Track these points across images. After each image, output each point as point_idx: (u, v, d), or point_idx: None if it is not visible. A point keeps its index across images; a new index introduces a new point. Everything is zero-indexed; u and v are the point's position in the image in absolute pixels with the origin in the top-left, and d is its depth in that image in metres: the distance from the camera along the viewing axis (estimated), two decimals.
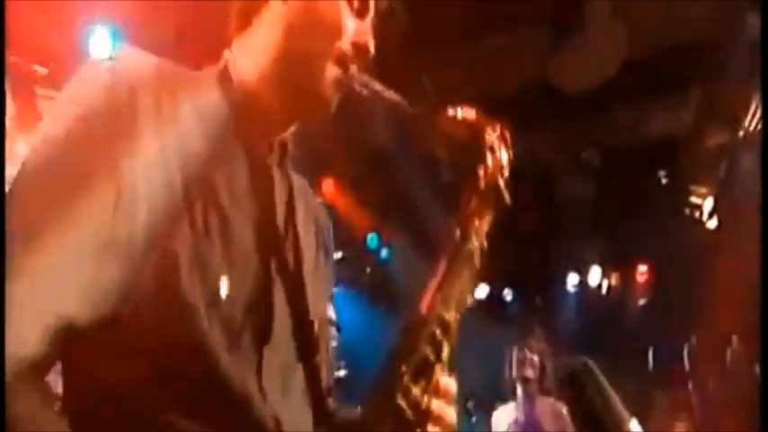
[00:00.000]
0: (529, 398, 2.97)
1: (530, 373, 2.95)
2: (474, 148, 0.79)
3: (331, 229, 0.90)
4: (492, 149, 0.79)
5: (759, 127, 3.59)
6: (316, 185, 4.23)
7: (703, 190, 4.63)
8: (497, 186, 0.78)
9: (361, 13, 0.80)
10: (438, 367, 0.70)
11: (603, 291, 6.19)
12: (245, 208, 0.72)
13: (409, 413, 0.67)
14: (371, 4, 0.82)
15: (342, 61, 0.78)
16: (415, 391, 0.67)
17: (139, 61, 0.71)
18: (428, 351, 0.69)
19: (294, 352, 0.74)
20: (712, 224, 4.54)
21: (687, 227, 4.71)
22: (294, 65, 0.78)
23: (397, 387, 0.67)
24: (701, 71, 3.71)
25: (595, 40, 3.40)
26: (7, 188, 0.63)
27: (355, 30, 0.79)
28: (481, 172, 0.78)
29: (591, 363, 1.81)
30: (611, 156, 4.63)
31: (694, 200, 4.70)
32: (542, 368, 2.99)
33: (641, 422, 1.76)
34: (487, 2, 3.08)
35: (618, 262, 6.09)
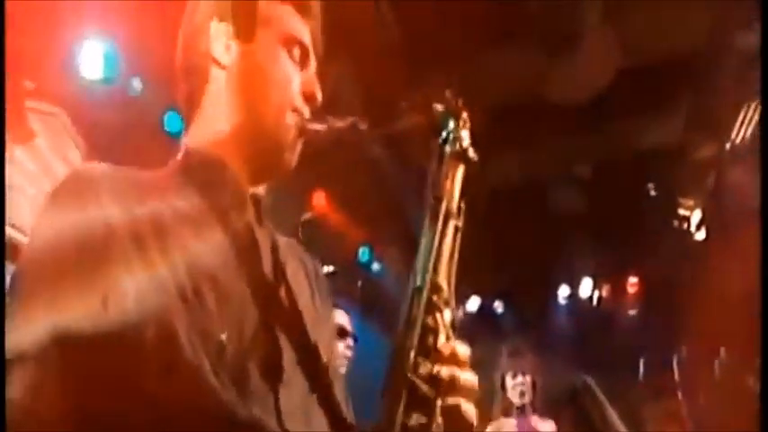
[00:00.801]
0: (524, 416, 3.02)
1: (525, 397, 2.99)
2: (431, 126, 0.79)
3: (321, 274, 0.91)
4: (451, 115, 0.78)
5: (747, 138, 3.64)
6: (306, 198, 4.23)
7: (691, 202, 4.69)
8: (462, 149, 0.78)
9: (303, 63, 0.83)
10: (442, 334, 0.69)
11: (594, 302, 6.22)
12: (233, 267, 0.73)
13: (424, 387, 0.66)
14: (311, 55, 0.85)
15: (295, 110, 0.81)
16: (425, 363, 0.67)
17: (98, 174, 0.73)
18: (428, 320, 0.69)
19: (307, 386, 0.74)
20: (700, 236, 4.59)
21: (676, 238, 4.76)
22: (249, 123, 0.80)
23: (406, 364, 0.66)
24: (689, 84, 3.77)
25: (587, 54, 3.45)
26: None
27: (301, 80, 0.82)
28: (444, 135, 0.78)
29: (590, 380, 1.82)
30: (601, 168, 4.68)
31: (682, 212, 4.75)
32: (534, 387, 3.03)
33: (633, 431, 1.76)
34: (480, 16, 3.12)
35: (609, 274, 6.13)
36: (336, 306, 2.51)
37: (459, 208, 0.76)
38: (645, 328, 5.43)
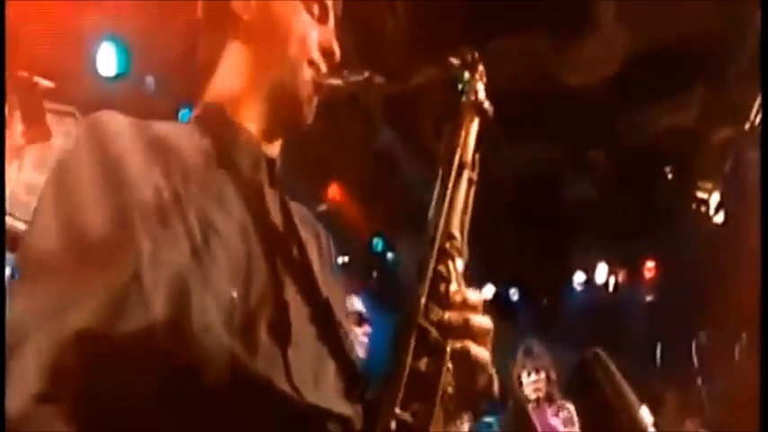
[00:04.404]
0: (539, 410, 3.11)
1: (540, 392, 3.09)
2: (447, 80, 0.78)
3: (333, 249, 0.90)
4: (467, 68, 0.77)
5: (761, 122, 3.58)
6: (321, 190, 4.25)
7: (709, 185, 4.62)
8: (477, 99, 0.77)
9: (322, 19, 0.83)
10: (454, 282, 0.68)
11: (610, 288, 6.17)
12: (244, 225, 0.73)
13: (434, 333, 0.65)
14: (330, 9, 0.84)
15: (312, 64, 0.81)
16: (436, 310, 0.66)
17: (118, 124, 0.73)
18: (440, 267, 0.68)
19: (317, 340, 0.74)
20: (719, 219, 4.53)
21: (694, 222, 4.69)
22: (267, 77, 0.80)
23: (417, 310, 0.65)
24: (705, 66, 3.70)
25: (601, 38, 3.40)
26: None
27: (319, 35, 0.82)
28: (459, 87, 0.77)
29: (601, 352, 1.82)
30: (617, 153, 4.63)
31: (700, 195, 4.68)
32: (548, 381, 3.12)
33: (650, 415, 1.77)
34: (492, 3, 3.09)
35: (624, 259, 6.08)
36: (354, 293, 2.54)
37: (473, 160, 0.75)
38: (662, 313, 5.38)
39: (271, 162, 0.82)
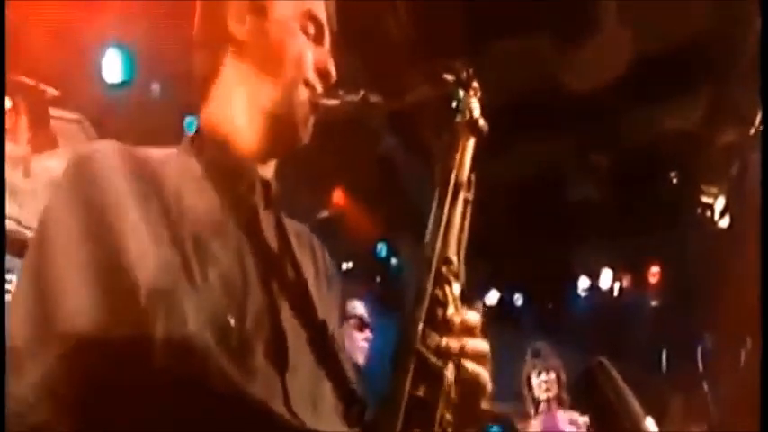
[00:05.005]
0: (549, 412, 3.10)
1: (551, 393, 3.08)
2: (442, 98, 0.77)
3: (329, 259, 0.91)
4: (461, 86, 0.77)
5: (761, 124, 3.57)
6: (325, 196, 4.26)
7: (715, 189, 4.59)
8: (472, 119, 0.76)
9: (318, 39, 0.83)
10: (451, 306, 0.68)
11: (615, 293, 6.15)
12: (239, 250, 0.73)
13: (432, 359, 0.66)
14: (326, 28, 0.84)
15: (308, 85, 0.81)
16: (434, 335, 0.66)
17: (109, 153, 0.73)
18: (437, 292, 0.68)
19: (315, 363, 0.74)
20: (724, 223, 4.50)
21: (698, 226, 4.67)
22: (262, 97, 0.81)
23: (415, 336, 0.66)
24: (710, 69, 3.69)
25: (604, 40, 3.40)
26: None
27: (314, 56, 0.82)
28: (454, 105, 0.76)
29: (606, 361, 1.82)
30: (621, 157, 4.62)
31: (705, 199, 4.66)
32: (559, 383, 3.10)
33: (656, 425, 1.76)
34: (496, 5, 3.10)
35: (629, 264, 6.06)
36: (356, 298, 2.53)
37: (469, 180, 0.75)
38: (667, 318, 5.36)
39: (266, 184, 0.82)
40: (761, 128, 3.61)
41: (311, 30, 0.83)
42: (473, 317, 0.70)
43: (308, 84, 0.82)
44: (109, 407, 0.60)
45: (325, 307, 0.80)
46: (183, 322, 0.64)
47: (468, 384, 0.67)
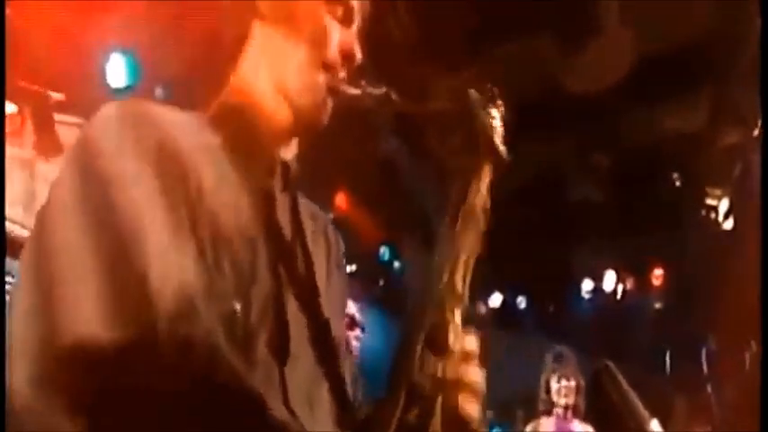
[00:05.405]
0: (564, 418, 3.11)
1: (569, 400, 3.09)
2: (463, 114, 0.75)
3: (342, 247, 0.89)
4: (483, 107, 0.74)
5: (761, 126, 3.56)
6: (328, 199, 4.26)
7: (718, 191, 4.59)
8: (492, 143, 0.73)
9: (345, 21, 0.81)
10: (452, 333, 0.67)
11: (618, 296, 6.14)
12: (252, 233, 0.72)
13: (426, 385, 0.65)
14: (356, 12, 0.82)
15: (330, 68, 0.79)
16: (430, 361, 0.66)
17: (137, 108, 0.72)
18: (438, 318, 0.67)
19: (315, 361, 0.74)
20: (728, 225, 4.49)
21: (702, 228, 4.66)
22: (284, 78, 0.79)
23: (411, 361, 0.65)
24: (712, 71, 3.69)
25: (607, 42, 3.40)
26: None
27: (341, 37, 0.80)
28: (473, 131, 0.74)
29: (611, 364, 1.83)
30: (624, 159, 4.61)
31: (709, 201, 4.65)
32: (578, 390, 3.10)
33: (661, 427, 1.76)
34: (498, 7, 3.10)
35: (632, 266, 6.04)
36: (350, 298, 2.53)
37: (483, 208, 0.72)
38: (671, 320, 5.34)
39: (285, 165, 0.81)
40: (762, 129, 3.61)
41: (339, 12, 0.81)
42: (472, 343, 0.69)
43: (330, 65, 0.79)
44: (112, 401, 0.59)
45: (330, 304, 0.78)
46: (194, 313, 0.61)
47: (455, 417, 0.67)
